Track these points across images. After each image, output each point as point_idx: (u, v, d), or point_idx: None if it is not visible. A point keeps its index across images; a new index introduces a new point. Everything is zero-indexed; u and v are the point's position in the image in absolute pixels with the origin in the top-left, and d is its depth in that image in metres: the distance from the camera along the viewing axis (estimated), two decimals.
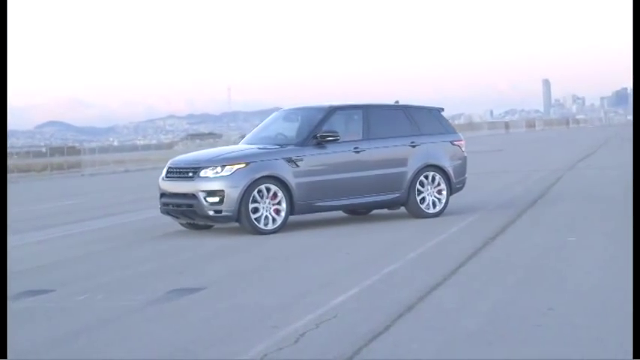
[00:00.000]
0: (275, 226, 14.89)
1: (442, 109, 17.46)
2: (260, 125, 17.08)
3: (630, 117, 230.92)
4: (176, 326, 8.23)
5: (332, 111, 15.94)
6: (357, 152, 15.75)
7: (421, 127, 16.54)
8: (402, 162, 16.13)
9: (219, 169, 14.82)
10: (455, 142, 16.91)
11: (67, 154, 62.07)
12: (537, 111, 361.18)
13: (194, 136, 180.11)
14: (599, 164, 30.21)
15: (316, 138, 15.47)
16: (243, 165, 14.84)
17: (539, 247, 12.00)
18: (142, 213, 19.92)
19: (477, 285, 9.48)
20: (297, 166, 15.16)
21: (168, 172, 15.61)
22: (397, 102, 17.11)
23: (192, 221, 15.41)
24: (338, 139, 15.55)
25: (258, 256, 12.49)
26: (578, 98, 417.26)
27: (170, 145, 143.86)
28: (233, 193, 14.66)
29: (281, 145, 15.51)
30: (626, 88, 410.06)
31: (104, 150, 71.51)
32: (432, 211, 16.26)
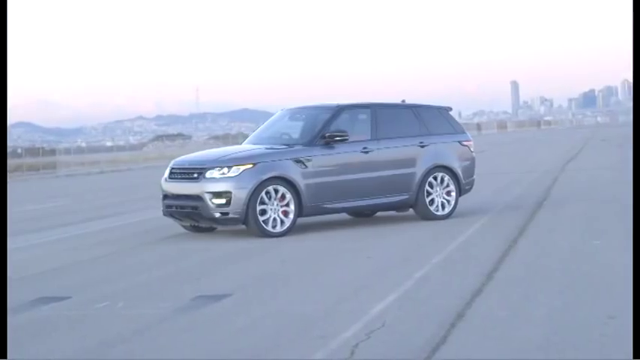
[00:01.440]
0: (283, 229, 14.41)
1: (450, 109, 17.05)
2: (264, 125, 16.59)
3: (600, 118, 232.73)
4: (215, 336, 7.75)
5: (340, 110, 15.48)
6: (366, 153, 15.30)
7: (429, 127, 16.12)
8: (411, 162, 15.70)
9: (225, 169, 14.32)
10: (463, 142, 16.50)
11: (41, 155, 61.23)
12: (505, 112, 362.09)
13: (163, 137, 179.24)
14: (589, 165, 29.94)
15: (324, 138, 15.00)
16: (250, 165, 14.35)
17: (566, 251, 11.61)
18: (135, 215, 19.39)
19: (520, 291, 9.06)
20: (306, 166, 14.69)
21: (171, 172, 15.09)
22: (404, 101, 16.68)
23: (196, 224, 14.89)
24: (347, 139, 15.09)
25: (273, 260, 12.02)
26: (546, 100, 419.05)
27: (140, 147, 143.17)
28: (240, 195, 14.16)
29: (288, 145, 15.03)
30: (593, 90, 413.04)
31: (80, 151, 70.68)
32: (440, 213, 15.84)
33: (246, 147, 15.39)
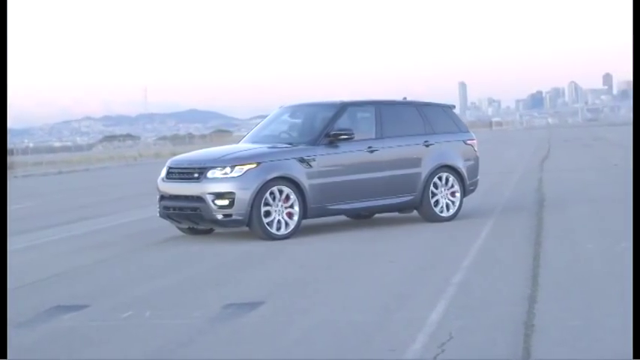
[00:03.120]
0: (287, 231, 13.78)
1: (454, 106, 16.53)
2: (262, 122, 15.93)
3: (551, 120, 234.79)
4: (269, 348, 7.16)
5: (344, 107, 14.87)
6: (371, 152, 14.71)
7: (434, 125, 15.58)
8: (416, 162, 15.15)
9: (228, 169, 13.65)
10: (468, 142, 15.99)
11: None
12: None
13: (111, 138, 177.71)
14: (568, 166, 29.67)
15: (329, 136, 14.39)
16: (254, 165, 13.69)
17: (597, 253, 11.14)
18: (118, 217, 18.65)
19: (577, 297, 8.55)
20: (310, 166, 14.07)
21: (168, 172, 14.37)
22: (405, 98, 16.13)
23: (196, 226, 14.19)
24: (352, 138, 14.49)
25: (290, 265, 11.39)
26: (494, 101, 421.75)
27: (89, 147, 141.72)
28: (244, 196, 13.50)
29: (291, 144, 14.40)
30: (541, 92, 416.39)
31: (37, 151, 69.36)
32: (445, 214, 15.30)
33: (246, 146, 14.71)
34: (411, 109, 15.54)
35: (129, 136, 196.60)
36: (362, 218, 16.05)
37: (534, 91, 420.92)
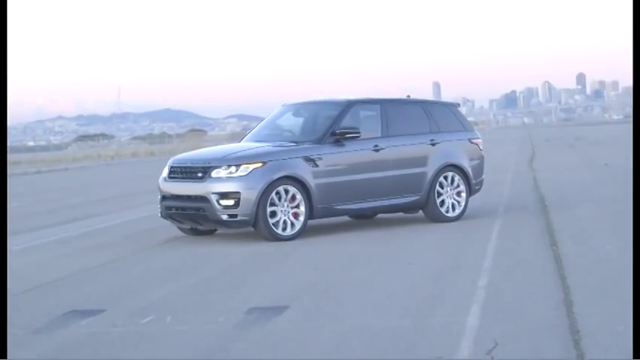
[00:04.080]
0: (294, 232, 13.46)
1: (458, 104, 16.27)
2: (264, 121, 15.58)
3: (526, 119, 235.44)
4: (306, 355, 6.87)
5: (349, 105, 14.56)
6: (377, 151, 14.41)
7: (439, 124, 15.29)
8: (422, 161, 14.86)
9: (233, 168, 13.31)
10: (473, 140, 15.72)
11: None
12: None
13: (85, 138, 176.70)
14: (558, 165, 29.51)
15: (335, 135, 14.07)
16: (259, 164, 13.36)
17: (619, 255, 10.86)
18: (113, 217, 18.26)
19: (613, 300, 8.27)
20: (317, 165, 13.75)
21: (171, 172, 14.00)
22: (409, 96, 15.85)
23: (199, 226, 13.84)
24: (359, 136, 14.18)
25: (305, 267, 11.07)
26: (468, 101, 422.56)
27: (64, 147, 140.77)
28: (250, 196, 13.17)
29: (296, 143, 14.07)
30: (515, 91, 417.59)
31: (12, 150, 68.62)
32: (451, 214, 15.03)
33: (250, 145, 14.36)
34: (416, 107, 15.26)
35: (103, 135, 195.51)
36: (364, 219, 15.75)
37: (508, 91, 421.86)
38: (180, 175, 13.81)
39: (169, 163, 14.21)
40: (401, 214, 15.62)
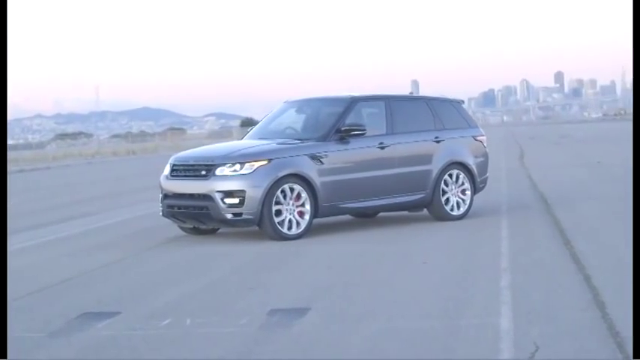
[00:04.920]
0: (299, 231, 13.21)
1: (462, 102, 16.07)
2: (266, 118, 15.30)
3: (506, 117, 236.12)
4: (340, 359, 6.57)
5: (354, 102, 14.31)
6: (382, 148, 14.17)
7: (444, 121, 15.07)
8: (427, 159, 14.64)
9: (238, 166, 13.03)
10: (477, 138, 15.52)
11: None
12: None
13: (64, 136, 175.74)
14: (551, 163, 29.45)
15: (340, 132, 13.82)
16: (265, 162, 13.09)
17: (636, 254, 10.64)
18: (107, 216, 17.96)
19: None
20: (322, 163, 13.50)
21: (173, 170, 13.71)
22: (411, 93, 15.63)
23: (202, 226, 13.55)
24: (364, 133, 13.94)
25: (318, 268, 10.79)
26: None
27: (43, 145, 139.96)
28: (255, 194, 12.90)
29: (301, 140, 13.81)
30: (493, 90, 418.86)
31: None
32: (456, 213, 14.81)
33: (254, 142, 14.08)
34: (420, 103, 15.04)
35: (81, 134, 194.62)
36: (366, 217, 15.50)
37: (486, 89, 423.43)
38: (182, 173, 13.53)
39: (171, 160, 13.92)
40: (401, 212, 15.37)
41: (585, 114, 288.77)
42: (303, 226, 13.24)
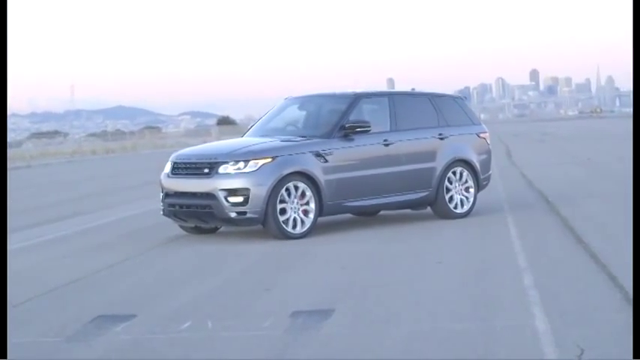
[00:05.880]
0: (303, 230, 12.95)
1: (465, 98, 15.85)
2: (267, 114, 15.01)
3: (484, 115, 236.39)
4: None
5: (357, 98, 14.06)
6: (387, 145, 13.93)
7: (447, 118, 14.85)
8: (431, 156, 14.40)
9: (241, 164, 12.75)
10: (481, 135, 15.30)
11: None
12: None
13: (40, 135, 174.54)
14: (540, 161, 29.38)
15: (344, 129, 13.56)
16: (269, 159, 12.81)
17: None
18: (101, 215, 17.59)
19: None
20: (326, 161, 13.25)
21: (174, 168, 13.41)
22: (413, 89, 15.41)
23: (204, 224, 13.27)
24: (369, 130, 13.70)
25: (331, 267, 10.51)
26: None
27: (18, 144, 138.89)
28: (259, 192, 12.62)
29: (304, 138, 13.55)
30: (468, 88, 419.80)
31: None
32: (459, 211, 14.60)
33: (256, 139, 13.79)
34: (423, 100, 14.82)
35: (57, 132, 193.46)
36: (366, 216, 15.24)
37: (462, 87, 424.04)
38: (184, 172, 13.24)
39: (172, 158, 13.62)
40: (399, 211, 15.12)
41: (561, 112, 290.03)
42: (307, 224, 12.98)
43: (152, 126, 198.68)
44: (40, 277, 10.68)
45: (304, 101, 14.80)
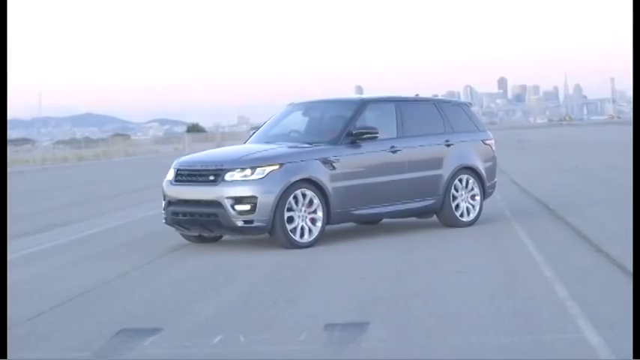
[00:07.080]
0: (311, 239, 12.63)
1: (471, 104, 15.62)
2: (270, 120, 14.66)
3: None
4: None
5: (364, 104, 13.77)
6: (394, 152, 13.65)
7: (453, 124, 14.59)
8: (438, 163, 14.14)
9: (248, 171, 12.41)
10: (486, 142, 15.05)
11: None
12: None
13: (9, 143, 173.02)
14: (525, 168, 29.17)
15: (351, 135, 13.26)
16: (276, 167, 12.48)
17: None
18: (94, 223, 17.13)
19: None
20: (334, 168, 12.94)
21: (177, 175, 13.03)
22: (417, 95, 15.16)
23: (210, 233, 12.90)
24: (377, 137, 13.40)
25: (351, 278, 10.17)
26: None
27: None
28: (267, 200, 12.29)
29: (311, 144, 13.23)
30: (436, 95, 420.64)
31: None
32: (466, 219, 14.34)
33: (262, 146, 13.44)
34: (430, 106, 14.55)
35: (25, 140, 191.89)
36: (369, 224, 14.92)
37: (430, 95, 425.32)
38: (188, 179, 12.87)
39: (175, 165, 13.24)
40: (402, 219, 14.83)
41: (531, 119, 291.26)
42: (315, 233, 12.67)
43: (121, 133, 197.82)
44: (50, 287, 10.30)
45: (309, 107, 14.49)
